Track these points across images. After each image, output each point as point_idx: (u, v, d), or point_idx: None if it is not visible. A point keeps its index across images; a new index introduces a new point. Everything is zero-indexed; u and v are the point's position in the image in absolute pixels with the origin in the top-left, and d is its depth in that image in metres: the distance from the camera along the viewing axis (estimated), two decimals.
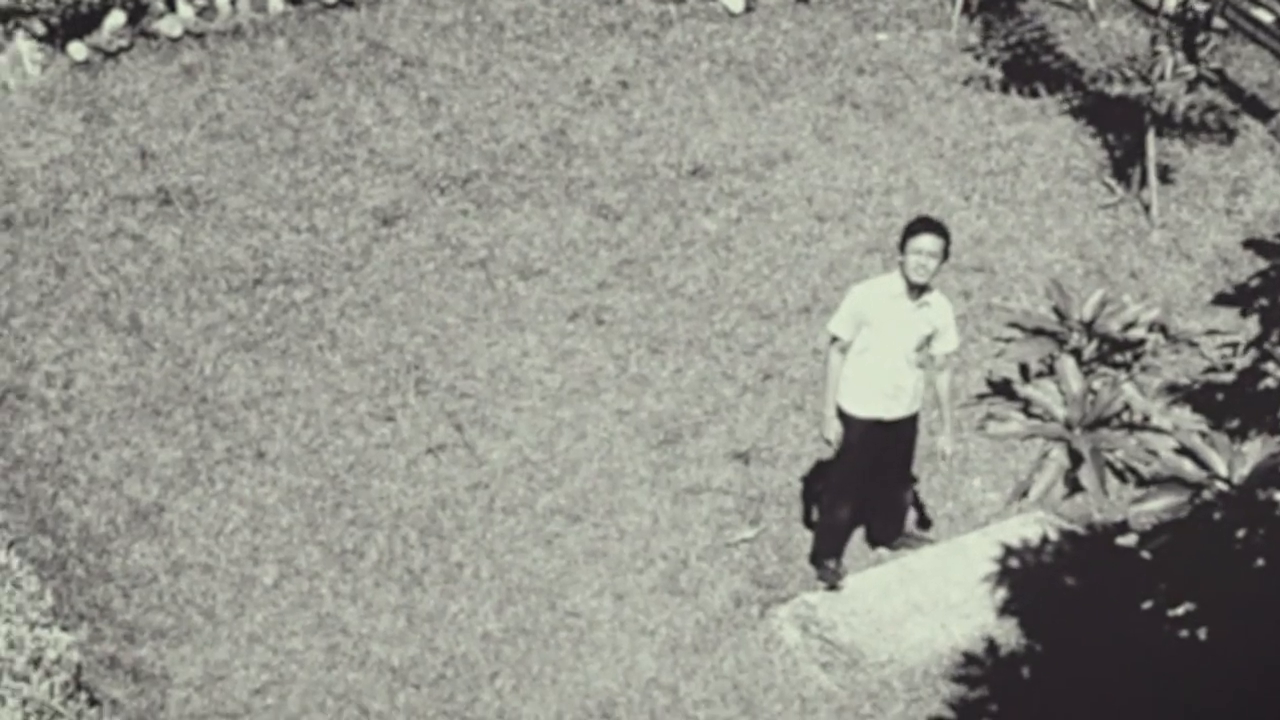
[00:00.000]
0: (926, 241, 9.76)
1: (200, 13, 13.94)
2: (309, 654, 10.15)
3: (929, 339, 10.01)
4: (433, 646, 10.22)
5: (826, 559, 10.55)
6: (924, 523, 10.95)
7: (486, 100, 13.55)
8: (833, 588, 10.53)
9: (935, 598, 10.53)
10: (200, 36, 13.84)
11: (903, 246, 9.82)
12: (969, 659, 10.19)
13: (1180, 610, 8.54)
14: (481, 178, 12.96)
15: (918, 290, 9.87)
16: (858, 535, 10.80)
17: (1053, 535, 10.75)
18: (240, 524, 10.77)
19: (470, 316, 12.03)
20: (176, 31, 13.84)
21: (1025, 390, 8.56)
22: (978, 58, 14.11)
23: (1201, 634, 8.28)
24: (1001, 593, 10.48)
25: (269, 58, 13.78)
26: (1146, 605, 8.68)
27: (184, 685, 9.98)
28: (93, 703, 9.52)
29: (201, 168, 12.92)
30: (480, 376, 11.67)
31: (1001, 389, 9.27)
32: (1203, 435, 7.61)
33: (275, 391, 11.49)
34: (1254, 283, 8.43)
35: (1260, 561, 7.38)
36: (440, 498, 10.97)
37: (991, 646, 10.25)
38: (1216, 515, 7.29)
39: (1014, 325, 9.18)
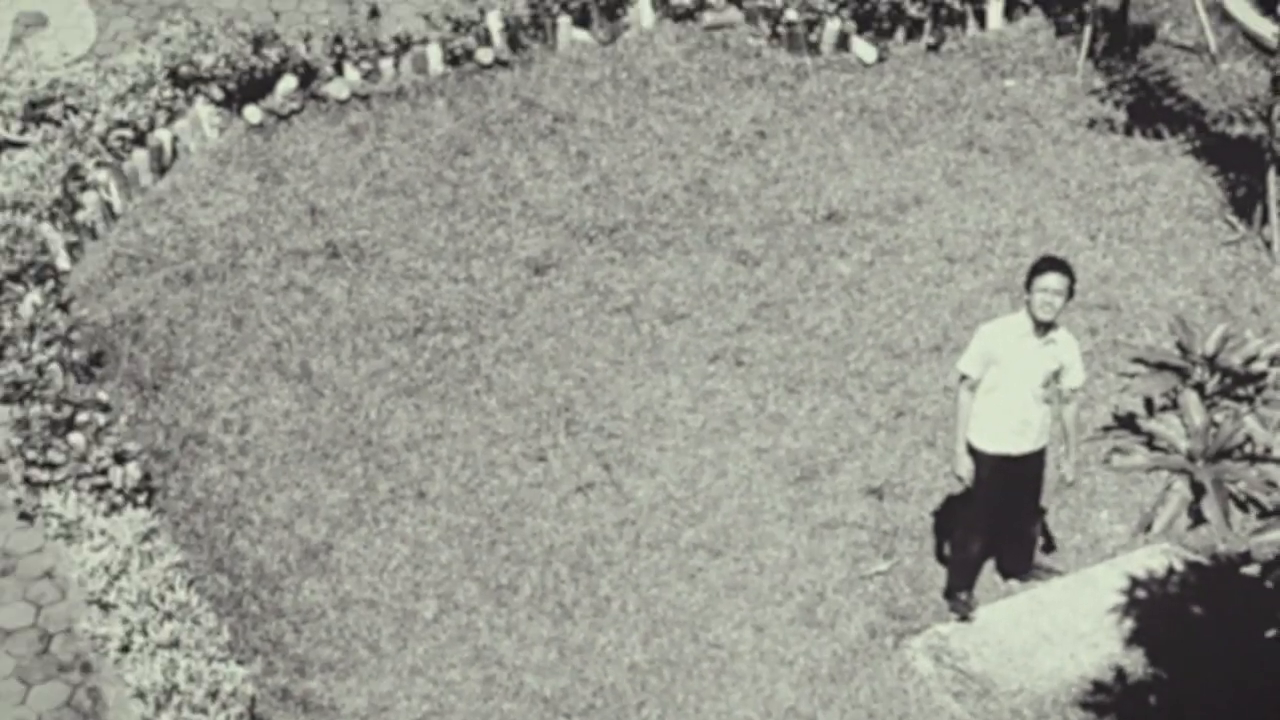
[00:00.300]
0: (1052, 280, 9.59)
1: (365, 76, 14.05)
2: (466, 685, 10.16)
3: (1056, 375, 9.82)
4: (583, 677, 10.19)
5: (959, 591, 10.38)
6: (1049, 547, 10.74)
7: (632, 153, 13.52)
8: (964, 619, 10.37)
9: (1064, 628, 10.38)
10: (365, 98, 13.94)
11: (1029, 285, 9.66)
12: (1098, 688, 10.03)
13: None
14: (627, 227, 12.93)
15: (1044, 328, 9.69)
16: (988, 567, 10.63)
17: (1178, 566, 10.56)
18: (402, 561, 10.81)
19: (617, 360, 12.00)
20: (344, 94, 13.95)
21: (1149, 424, 8.38)
22: (1102, 101, 13.87)
23: None
24: (1129, 623, 10.32)
25: (429, 117, 13.85)
26: (1271, 634, 8.46)
27: (351, 716, 10.04)
28: None
29: (367, 222, 13.01)
30: (626, 417, 11.62)
31: (1126, 423, 9.09)
32: None
33: (435, 434, 11.53)
34: None
35: None
36: (589, 534, 10.94)
37: (1120, 675, 10.08)
38: None
39: (1138, 360, 8.99)
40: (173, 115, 13.48)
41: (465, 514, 11.07)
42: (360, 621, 10.49)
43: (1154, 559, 10.61)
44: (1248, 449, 8.22)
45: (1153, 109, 13.74)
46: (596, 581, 10.70)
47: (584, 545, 10.90)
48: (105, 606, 10.13)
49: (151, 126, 13.34)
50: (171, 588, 10.13)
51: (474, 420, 11.63)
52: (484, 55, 14.23)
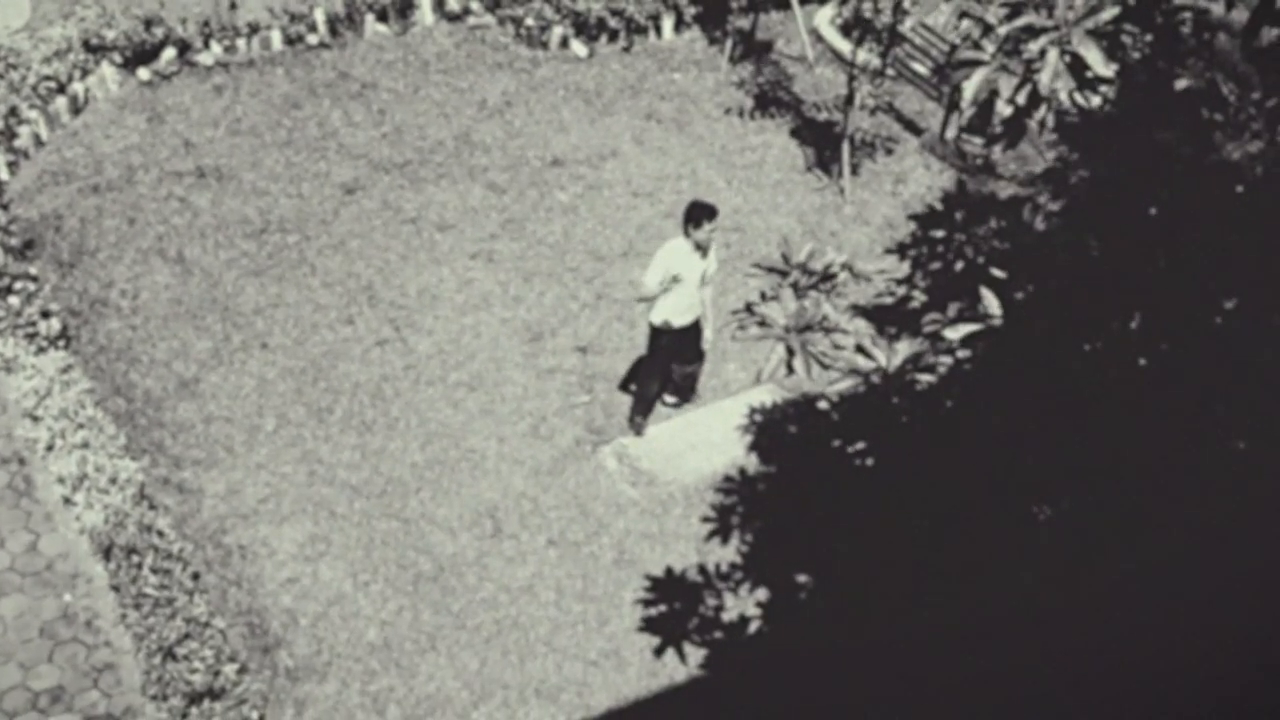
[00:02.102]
0: (716, 221, 9.70)
1: (226, 50, 13.43)
2: (296, 476, 9.98)
3: (705, 273, 9.98)
4: (378, 471, 10.09)
5: (638, 416, 10.52)
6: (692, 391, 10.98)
7: (417, 112, 13.22)
8: (639, 434, 10.53)
9: (705, 440, 10.56)
10: (226, 66, 13.32)
11: (699, 224, 9.66)
12: (726, 479, 10.27)
13: (857, 447, 8.65)
14: (413, 164, 12.67)
15: (705, 248, 9.81)
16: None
17: (779, 401, 10.82)
18: (250, 390, 10.51)
19: (405, 255, 11.80)
20: (209, 62, 13.32)
21: (760, 308, 8.56)
22: (737, 89, 14.02)
23: (870, 462, 8.40)
24: (747, 437, 10.55)
25: (272, 81, 13.31)
26: (835, 444, 8.80)
27: (213, 496, 9.77)
28: (151, 507, 9.30)
29: (226, 153, 12.48)
30: (411, 295, 11.45)
31: (747, 308, 9.28)
32: (872, 339, 7.67)
33: (275, 304, 11.20)
34: (907, 240, 8.49)
35: (904, 419, 7.45)
36: (384, 374, 10.79)
37: (741, 471, 10.34)
38: (879, 389, 7.35)
39: (756, 266, 9.17)
40: (85, 73, 12.71)
41: (296, 359, 10.81)
42: (220, 431, 10.20)
43: (764, 396, 10.87)
44: (825, 324, 8.49)
45: (770, 98, 13.96)
46: (389, 407, 10.57)
47: (380, 382, 10.74)
48: (35, 419, 9.66)
49: (70, 80, 12.56)
50: (83, 406, 9.71)
51: (302, 294, 11.33)
52: (312, 39, 13.73)
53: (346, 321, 11.17)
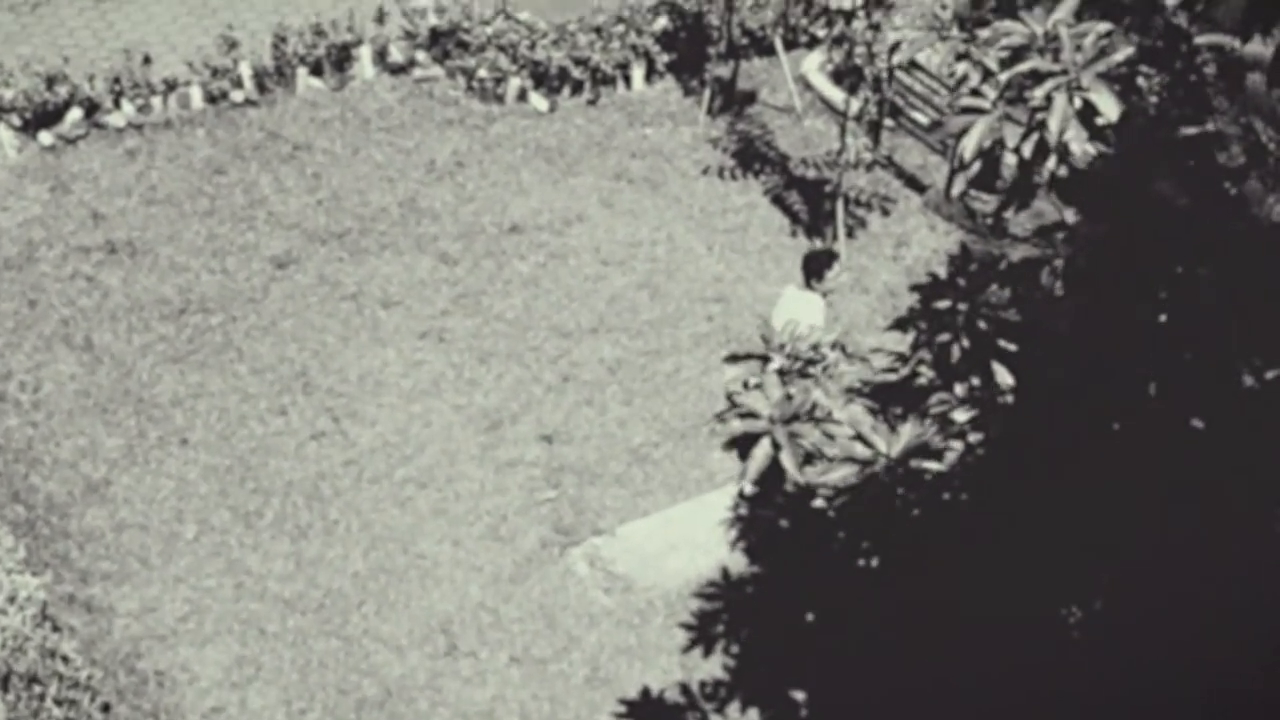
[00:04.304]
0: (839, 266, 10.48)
1: (140, 109, 13.57)
2: (220, 590, 9.93)
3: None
4: (315, 583, 10.05)
5: None
6: None
7: (357, 175, 13.35)
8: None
9: (687, 539, 10.57)
10: (139, 127, 13.45)
11: (820, 276, 10.34)
12: (710, 584, 10.26)
13: (857, 546, 8.66)
14: (353, 233, 12.76)
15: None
16: (627, 492, 10.79)
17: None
18: (169, 493, 10.49)
19: (344, 336, 11.85)
20: (121, 123, 13.45)
21: (742, 398, 8.62)
22: (715, 147, 14.19)
23: (873, 562, 8.41)
24: (734, 535, 10.55)
25: (191, 143, 13.44)
26: (833, 543, 8.79)
27: (125, 615, 9.71)
28: (55, 629, 9.23)
29: (140, 225, 12.56)
30: (352, 380, 11.49)
31: (729, 398, 9.34)
32: (870, 426, 7.71)
33: (196, 394, 11.21)
34: (907, 313, 8.55)
35: (914, 512, 7.48)
36: (321, 471, 10.79)
37: (725, 574, 10.34)
38: (881, 480, 7.39)
39: (732, 357, 9.21)
40: None
41: (220, 456, 10.80)
42: (133, 541, 10.15)
43: (753, 488, 10.88)
44: (815, 414, 8.54)
45: (754, 153, 14.14)
46: (327, 508, 10.55)
47: (317, 480, 10.74)
48: None
49: None
50: None
51: (228, 383, 11.35)
52: (237, 96, 13.89)
53: (278, 412, 11.17)
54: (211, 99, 13.86)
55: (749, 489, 10.54)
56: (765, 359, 8.67)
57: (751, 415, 7.48)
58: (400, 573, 10.17)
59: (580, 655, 9.80)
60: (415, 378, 11.58)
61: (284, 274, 12.32)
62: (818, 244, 13.15)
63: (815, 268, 10.47)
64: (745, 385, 8.84)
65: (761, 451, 7.57)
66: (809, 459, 8.03)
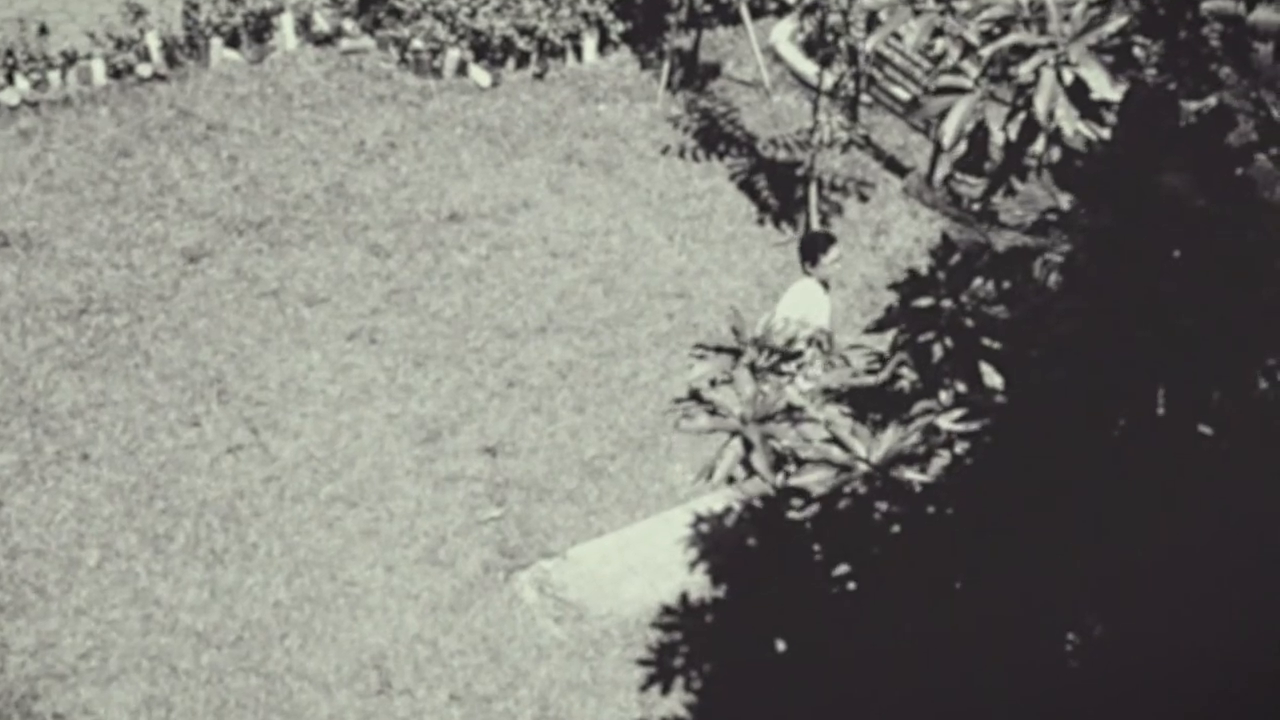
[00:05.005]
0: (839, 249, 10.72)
1: (35, 85, 13.46)
2: (127, 623, 9.86)
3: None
4: (232, 614, 9.99)
5: None
6: None
7: (277, 158, 13.29)
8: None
9: (645, 561, 10.58)
10: (35, 105, 13.35)
11: (816, 260, 10.55)
12: (670, 611, 10.26)
13: (834, 565, 8.67)
14: (274, 222, 12.71)
15: (826, 283, 10.73)
16: (580, 509, 10.79)
17: (737, 508, 10.86)
18: (68, 515, 10.41)
19: (264, 338, 11.78)
20: (14, 101, 13.34)
21: (710, 394, 8.65)
22: (676, 126, 14.21)
23: (850, 585, 8.42)
24: (695, 555, 10.56)
25: (93, 123, 13.35)
26: (807, 562, 8.80)
27: (20, 652, 9.63)
28: None
29: (35, 215, 12.46)
30: (273, 388, 11.43)
31: (694, 395, 9.37)
32: (851, 429, 7.73)
33: (98, 403, 11.13)
34: (887, 313, 8.57)
35: (895, 527, 7.49)
36: (238, 489, 10.73)
37: (686, 599, 10.34)
38: (859, 490, 7.40)
39: (700, 347, 9.25)
40: None
41: (125, 473, 10.72)
42: (29, 569, 10.06)
43: (718, 503, 10.89)
44: (790, 413, 8.56)
45: (719, 133, 14.17)
46: (245, 530, 10.49)
47: (234, 499, 10.67)
48: None
49: None
50: None
51: (134, 390, 11.27)
52: (144, 70, 13.81)
53: (190, 423, 11.10)
54: (115, 73, 13.77)
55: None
56: (736, 353, 8.69)
57: (719, 413, 7.49)
58: (327, 602, 10.12)
59: (528, 692, 9.78)
60: (343, 384, 11.53)
61: (196, 268, 12.24)
62: (789, 233, 13.19)
63: (810, 250, 10.65)
64: (713, 383, 8.86)
65: (731, 452, 7.59)
66: (782, 461, 8.06)
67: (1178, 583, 6.58)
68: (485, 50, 14.42)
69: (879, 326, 8.44)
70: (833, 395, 9.49)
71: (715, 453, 11.03)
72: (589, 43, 14.80)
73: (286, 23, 14.37)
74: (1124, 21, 5.46)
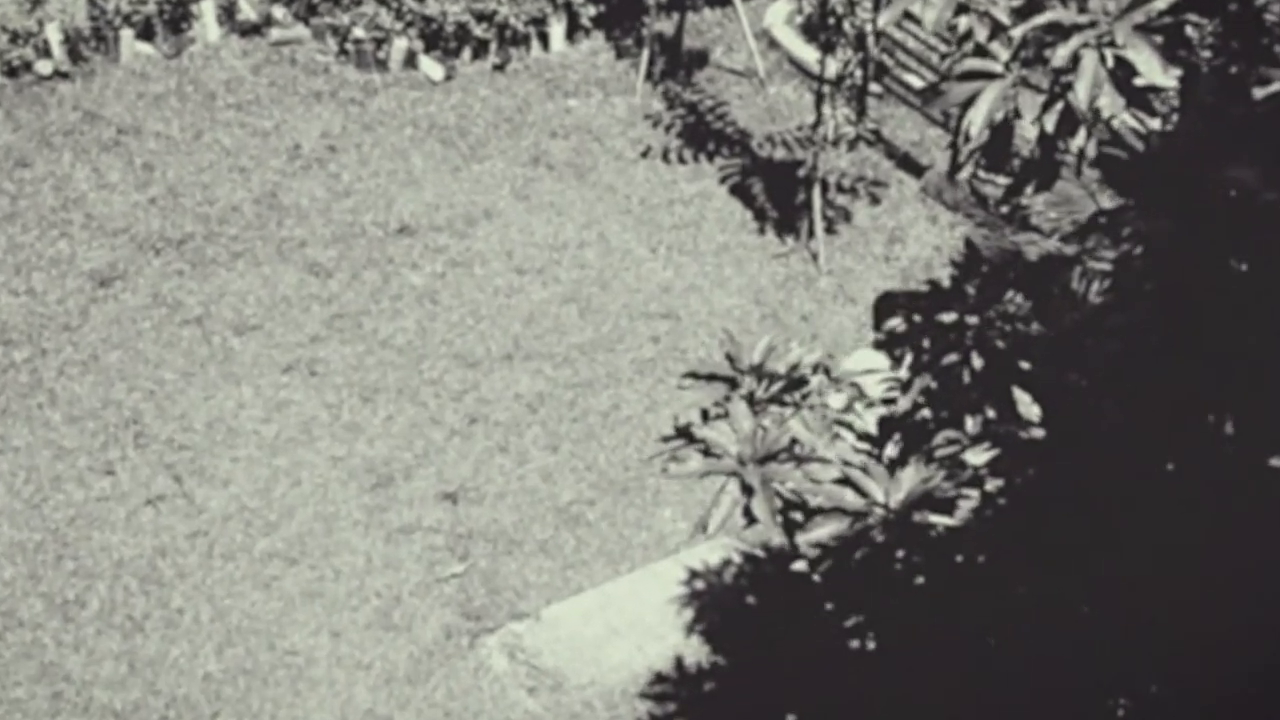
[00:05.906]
0: None
1: None
2: (33, 703, 9.81)
3: None
4: (155, 690, 9.95)
5: None
6: None
7: (199, 165, 13.29)
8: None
9: (632, 621, 10.59)
10: None
11: None
12: (660, 678, 10.25)
13: (848, 623, 8.67)
14: (196, 239, 12.70)
15: None
16: (555, 563, 10.78)
17: (736, 559, 10.85)
18: None
19: (187, 372, 11.76)
20: None
21: (702, 431, 8.64)
22: (656, 125, 14.21)
23: (868, 643, 8.42)
24: (689, 614, 10.56)
25: None
26: (816, 620, 8.80)
27: None
28: None
29: None
30: (198, 429, 11.40)
31: (683, 432, 9.37)
32: (863, 468, 7.73)
33: None
34: (901, 330, 8.59)
35: (919, 579, 7.49)
36: (160, 546, 10.69)
37: (679, 664, 10.32)
38: (877, 538, 7.40)
39: (690, 376, 9.26)
40: None
41: (29, 530, 10.67)
42: None
43: (713, 553, 10.89)
44: (795, 451, 8.56)
45: (707, 130, 14.20)
46: (168, 594, 10.45)
47: (155, 558, 10.63)
48: None
49: None
50: None
51: (37, 435, 11.23)
52: (43, 67, 13.82)
53: (103, 471, 11.06)
54: (11, 72, 13.77)
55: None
56: (732, 382, 8.69)
57: (713, 452, 7.48)
58: (265, 674, 10.08)
59: None
60: (279, 423, 11.50)
61: (108, 293, 12.22)
62: (790, 242, 13.21)
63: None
64: (705, 415, 8.85)
65: (728, 497, 7.58)
66: (788, 507, 8.05)
67: (1249, 648, 6.59)
68: (437, 39, 14.44)
69: (889, 344, 8.46)
70: (843, 428, 9.51)
71: (710, 497, 11.08)
72: (556, 29, 14.84)
73: (208, 10, 14.38)
74: None
